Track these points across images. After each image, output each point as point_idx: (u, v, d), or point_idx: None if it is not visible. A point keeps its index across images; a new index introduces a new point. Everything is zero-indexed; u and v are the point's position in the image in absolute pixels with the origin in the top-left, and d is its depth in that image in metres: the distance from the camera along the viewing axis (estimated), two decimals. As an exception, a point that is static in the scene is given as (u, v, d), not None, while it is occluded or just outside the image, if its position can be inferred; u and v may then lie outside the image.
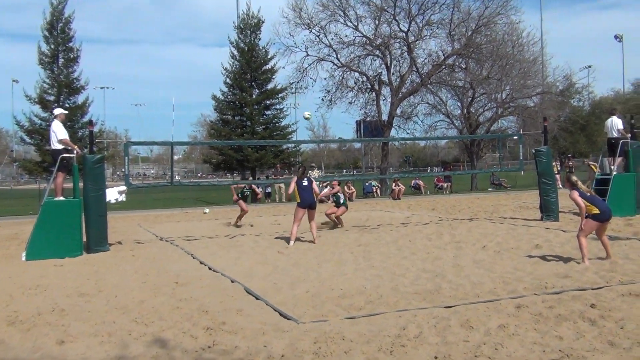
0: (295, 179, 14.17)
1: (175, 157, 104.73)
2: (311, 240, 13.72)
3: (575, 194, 9.73)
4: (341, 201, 17.02)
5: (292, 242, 13.47)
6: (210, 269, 10.41)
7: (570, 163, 37.18)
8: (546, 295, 7.43)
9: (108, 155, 38.11)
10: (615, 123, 17.73)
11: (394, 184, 30.51)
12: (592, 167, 26.52)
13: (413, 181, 36.43)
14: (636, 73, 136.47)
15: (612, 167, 17.48)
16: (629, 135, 17.70)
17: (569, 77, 47.68)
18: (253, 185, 20.87)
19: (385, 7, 35.25)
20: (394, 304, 7.32)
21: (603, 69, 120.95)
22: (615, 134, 17.68)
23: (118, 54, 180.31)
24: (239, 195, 18.26)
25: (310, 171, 32.42)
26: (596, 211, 9.62)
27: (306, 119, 19.32)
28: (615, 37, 73.68)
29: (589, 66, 59.44)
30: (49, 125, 14.20)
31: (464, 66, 37.90)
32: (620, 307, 6.76)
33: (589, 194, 9.92)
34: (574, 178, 10.05)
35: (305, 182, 14.00)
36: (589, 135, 49.45)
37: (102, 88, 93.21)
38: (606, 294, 7.37)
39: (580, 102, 53.78)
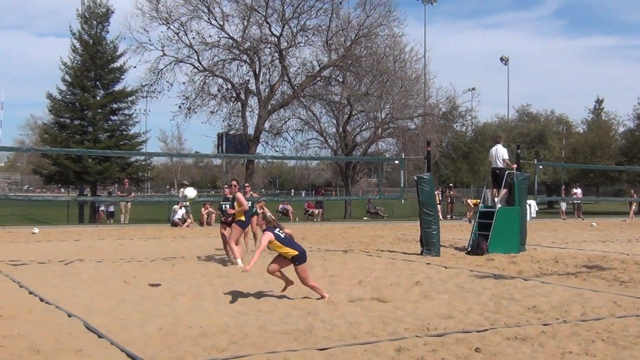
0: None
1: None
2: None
3: (270, 235, 9.93)
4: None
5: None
6: (42, 300, 9.99)
7: (451, 192, 38.91)
8: (428, 337, 7.70)
9: None
10: (501, 152, 18.33)
11: (259, 208, 30.50)
12: (470, 203, 27.99)
13: (280, 205, 36.65)
14: (521, 99, 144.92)
15: (496, 199, 18.19)
16: (515, 166, 18.46)
17: (453, 99, 50.03)
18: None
19: (256, 7, 35.61)
20: (262, 344, 7.33)
21: (487, 93, 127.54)
22: (500, 164, 18.33)
23: None
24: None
25: (182, 189, 32.13)
26: (295, 253, 10.09)
27: (188, 199, 18.79)
28: (501, 59, 78.35)
29: (473, 88, 61.34)
30: None
31: (341, 79, 38.86)
32: (505, 351, 7.12)
33: (284, 236, 10.18)
34: (269, 214, 10.56)
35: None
36: (471, 164, 51.70)
37: None
38: (491, 337, 7.74)
39: (463, 127, 56.33)
